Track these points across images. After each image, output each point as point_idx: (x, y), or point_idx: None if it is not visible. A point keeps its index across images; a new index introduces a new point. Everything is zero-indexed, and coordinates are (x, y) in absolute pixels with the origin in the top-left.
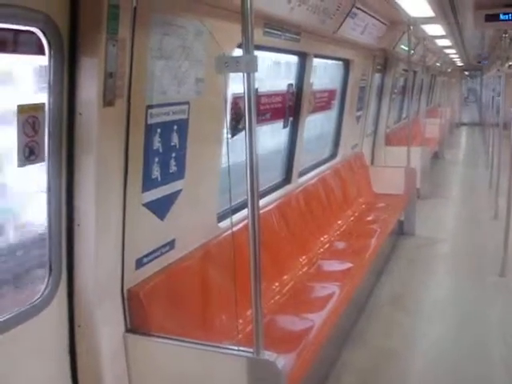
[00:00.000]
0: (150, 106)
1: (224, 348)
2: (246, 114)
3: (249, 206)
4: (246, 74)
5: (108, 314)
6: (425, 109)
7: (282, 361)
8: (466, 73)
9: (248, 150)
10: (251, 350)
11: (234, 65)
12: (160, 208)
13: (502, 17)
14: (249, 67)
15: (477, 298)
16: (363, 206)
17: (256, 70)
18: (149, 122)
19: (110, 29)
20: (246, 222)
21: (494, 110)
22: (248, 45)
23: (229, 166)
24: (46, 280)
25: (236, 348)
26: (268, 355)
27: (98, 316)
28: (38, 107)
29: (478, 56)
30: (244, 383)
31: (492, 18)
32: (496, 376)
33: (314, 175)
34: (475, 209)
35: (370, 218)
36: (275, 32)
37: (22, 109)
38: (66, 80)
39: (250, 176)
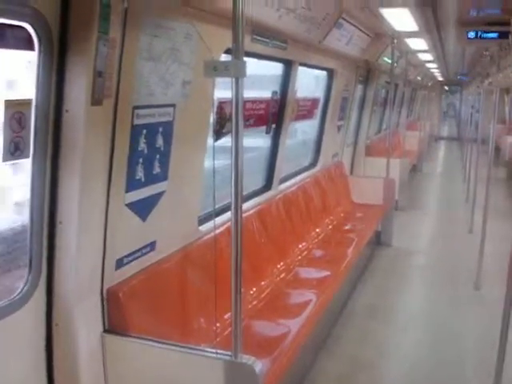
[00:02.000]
0: (136, 107)
1: (202, 350)
2: (233, 119)
3: (232, 209)
4: (234, 79)
5: (86, 314)
6: (405, 121)
7: (260, 364)
8: (446, 88)
9: (234, 154)
10: (229, 353)
11: (222, 69)
12: (142, 209)
13: (483, 35)
14: (238, 72)
15: (451, 311)
16: (342, 215)
17: (245, 75)
18: (135, 123)
19: (101, 28)
20: (226, 226)
21: (472, 126)
22: (238, 50)
23: (214, 170)
24: (25, 276)
25: (214, 351)
26: (246, 359)
27: (76, 315)
28: (25, 103)
29: (458, 72)
30: None
31: (474, 35)
32: None
33: (294, 183)
34: (451, 222)
35: (348, 227)
36: (263, 39)
37: (8, 104)
38: (54, 76)
39: (235, 180)
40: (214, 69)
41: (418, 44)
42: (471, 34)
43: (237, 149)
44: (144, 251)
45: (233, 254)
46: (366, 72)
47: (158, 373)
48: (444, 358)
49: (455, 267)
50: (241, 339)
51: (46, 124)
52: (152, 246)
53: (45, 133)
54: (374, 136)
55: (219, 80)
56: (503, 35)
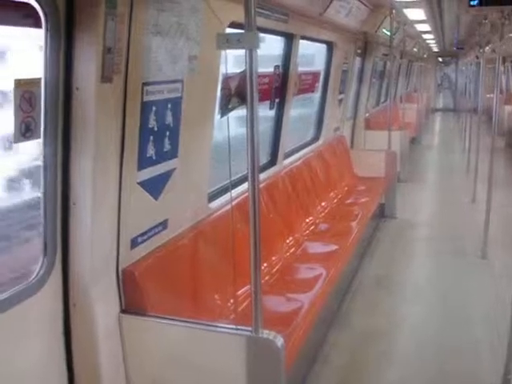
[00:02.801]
0: (145, 83)
1: (222, 327)
2: (248, 91)
3: (249, 182)
4: (247, 51)
5: (103, 294)
6: (403, 94)
7: (281, 339)
8: (440, 59)
9: (249, 128)
10: (249, 328)
11: (235, 42)
12: (154, 187)
13: (486, 1)
14: (251, 44)
15: (459, 280)
16: (346, 189)
17: (258, 47)
18: (144, 100)
19: (108, 3)
20: (236, 201)
21: (468, 97)
22: (250, 21)
23: (229, 145)
24: (40, 260)
25: (234, 327)
26: (267, 334)
27: (93, 295)
28: (34, 82)
29: (454, 42)
30: (242, 362)
31: (477, 2)
32: (479, 354)
33: (298, 157)
34: (454, 192)
35: (352, 201)
36: (266, 12)
37: (18, 83)
38: (62, 54)
39: (251, 153)
40: (227, 41)
41: (416, 14)
42: (474, 1)
43: (252, 122)
44: (157, 230)
45: (251, 228)
46: (364, 44)
47: (177, 351)
48: (452, 328)
49: (460, 237)
50: (261, 314)
51: (56, 103)
52: (164, 224)
53: (55, 112)
54: (373, 109)
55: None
56: (507, 1)
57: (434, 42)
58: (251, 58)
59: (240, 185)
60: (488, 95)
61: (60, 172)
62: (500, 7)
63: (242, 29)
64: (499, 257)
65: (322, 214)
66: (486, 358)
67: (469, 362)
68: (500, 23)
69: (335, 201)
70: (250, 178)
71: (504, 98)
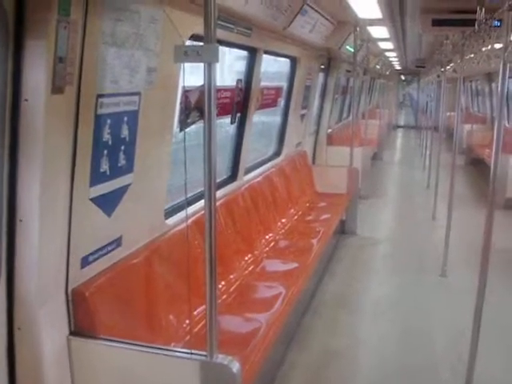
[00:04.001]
0: (100, 95)
1: (175, 351)
2: (205, 106)
3: (205, 199)
4: (206, 65)
5: (51, 316)
6: (365, 110)
7: (237, 364)
8: (403, 77)
9: (206, 143)
10: (204, 353)
11: (194, 55)
12: (108, 203)
13: (448, 22)
14: (210, 57)
15: (419, 298)
16: (307, 205)
17: (217, 61)
18: (98, 113)
19: (61, 9)
20: (193, 218)
21: (429, 114)
22: (210, 34)
23: (185, 161)
24: None
25: (188, 351)
26: (222, 358)
27: (40, 318)
28: None
29: (416, 60)
30: None
31: (439, 22)
32: (441, 373)
33: (259, 173)
34: (414, 209)
35: (313, 217)
36: (228, 25)
37: None
38: (10, 63)
39: (208, 169)
40: (185, 54)
41: (379, 32)
42: (435, 22)
43: (209, 137)
44: (110, 248)
45: (207, 246)
46: (328, 60)
47: (129, 376)
48: (414, 346)
49: (421, 254)
50: (216, 338)
51: (3, 114)
52: (118, 241)
53: (1, 124)
54: (336, 125)
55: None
56: (469, 22)
57: (396, 59)
58: (209, 72)
59: (198, 201)
60: (448, 113)
61: (6, 187)
62: (461, 28)
63: (203, 41)
64: (459, 274)
65: (283, 231)
66: (447, 378)
67: (430, 381)
68: (461, 44)
69: (296, 217)
70: (206, 195)
71: (463, 117)
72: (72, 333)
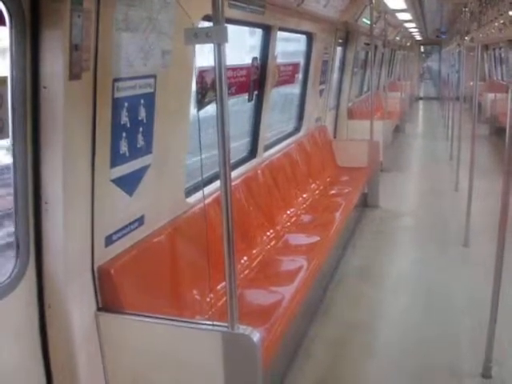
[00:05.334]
0: (116, 80)
1: (198, 323)
2: (217, 86)
3: (221, 178)
4: (216, 46)
5: (79, 293)
6: (386, 83)
7: (257, 334)
8: (422, 49)
9: (219, 123)
10: (225, 324)
11: (203, 36)
12: (128, 184)
13: None
14: (219, 38)
15: (442, 269)
16: (328, 179)
17: (226, 41)
18: (116, 96)
19: None
20: (213, 196)
21: (450, 85)
22: (218, 15)
23: (200, 141)
24: (13, 260)
25: (210, 323)
26: (243, 329)
27: (68, 295)
28: (0, 81)
29: (436, 30)
30: (219, 358)
31: None
32: (461, 344)
33: (278, 149)
34: (437, 181)
35: (334, 192)
36: (240, 4)
37: None
38: (28, 52)
39: (222, 148)
40: (195, 36)
41: (396, 3)
42: None
43: (222, 117)
44: (133, 226)
45: (224, 224)
46: (345, 34)
47: (154, 348)
48: (436, 317)
49: (443, 226)
50: (236, 309)
51: (24, 102)
52: (140, 220)
53: (23, 111)
54: (356, 99)
55: (200, 48)
56: None
57: (416, 30)
58: (219, 53)
59: (218, 179)
60: (471, 83)
61: (31, 171)
62: None
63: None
64: (481, 244)
65: (304, 206)
66: (468, 347)
67: (450, 352)
68: (478, 11)
69: (317, 192)
70: (221, 172)
71: (487, 86)
72: (99, 309)
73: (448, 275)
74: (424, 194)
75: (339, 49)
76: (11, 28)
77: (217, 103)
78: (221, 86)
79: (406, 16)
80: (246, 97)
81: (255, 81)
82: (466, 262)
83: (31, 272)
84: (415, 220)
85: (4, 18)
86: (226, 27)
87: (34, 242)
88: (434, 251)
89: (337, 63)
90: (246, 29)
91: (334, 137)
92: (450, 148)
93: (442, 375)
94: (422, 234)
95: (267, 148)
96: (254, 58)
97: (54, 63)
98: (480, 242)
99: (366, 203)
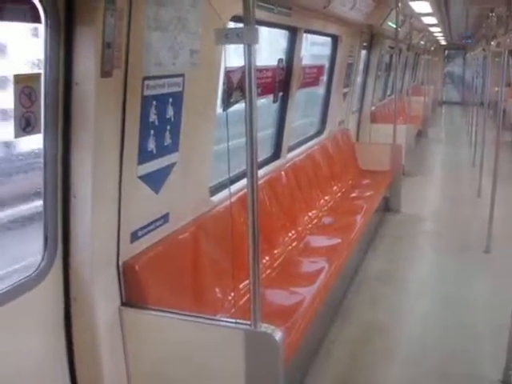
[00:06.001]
0: (146, 78)
1: (221, 321)
2: (246, 86)
3: (248, 177)
4: (246, 46)
5: (104, 287)
6: (409, 87)
7: (279, 333)
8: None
9: (248, 123)
10: (248, 322)
11: (234, 37)
12: (155, 181)
13: None
14: (250, 39)
15: (463, 274)
16: (350, 182)
17: (257, 42)
18: (145, 94)
19: None
20: (238, 195)
21: (475, 90)
22: (249, 16)
23: (228, 140)
24: (41, 253)
25: (233, 320)
26: (265, 327)
27: (93, 289)
28: (34, 77)
29: (461, 35)
30: (241, 355)
31: None
32: (481, 350)
33: (301, 151)
34: (459, 186)
35: (356, 194)
36: (268, 6)
37: (17, 79)
38: (62, 49)
39: (250, 148)
40: (226, 36)
41: (422, 7)
42: None
43: (251, 116)
44: (158, 223)
45: (250, 223)
46: (370, 37)
47: (177, 344)
48: (456, 321)
49: (465, 231)
50: (260, 308)
51: (56, 98)
52: (165, 218)
53: (55, 107)
54: (379, 102)
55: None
56: None
57: (441, 34)
58: (250, 53)
59: (243, 178)
60: (496, 89)
61: (60, 166)
62: None
63: (243, 23)
64: (503, 250)
65: (326, 208)
66: (488, 353)
67: (471, 359)
68: (506, 16)
69: (339, 194)
70: (248, 172)
71: (511, 92)
72: (123, 304)
73: (469, 281)
74: (446, 199)
75: (363, 52)
76: (46, 26)
77: (246, 103)
78: (250, 87)
79: (432, 20)
80: (271, 98)
81: (280, 82)
82: (488, 268)
83: (58, 265)
84: (437, 225)
85: (40, 16)
86: (256, 28)
87: (61, 236)
88: (456, 256)
89: (360, 66)
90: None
91: (357, 140)
92: (473, 154)
93: (461, 381)
94: (444, 239)
95: (290, 149)
96: (280, 60)
97: (86, 61)
98: (502, 248)
99: (387, 207)
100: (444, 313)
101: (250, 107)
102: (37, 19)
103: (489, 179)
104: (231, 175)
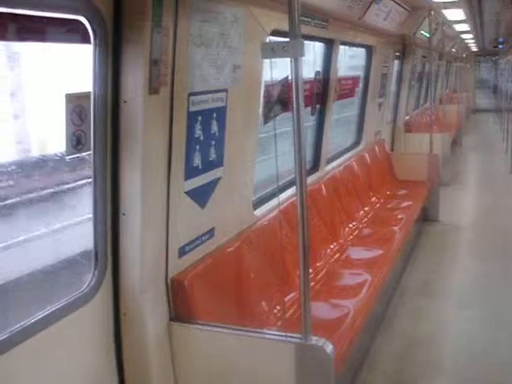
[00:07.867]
0: (191, 94)
1: (270, 334)
2: (293, 99)
3: (297, 187)
4: (293, 60)
5: (153, 302)
6: (442, 95)
7: (330, 345)
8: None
9: (296, 134)
10: (298, 335)
11: (280, 50)
12: (201, 196)
13: None
14: (296, 52)
15: (505, 283)
16: (387, 193)
17: (303, 55)
18: (190, 110)
19: (155, 17)
20: (280, 208)
21: (509, 97)
22: (295, 30)
23: (276, 154)
24: (92, 270)
25: (283, 334)
26: (316, 340)
27: (142, 304)
28: (85, 96)
29: (494, 40)
30: (291, 368)
31: None
32: None
33: (340, 163)
34: (497, 195)
35: (394, 205)
36: (305, 19)
37: (69, 98)
38: (110, 68)
39: (298, 160)
40: (272, 50)
41: (455, 14)
42: None
43: (299, 129)
44: (204, 238)
45: (300, 233)
46: (403, 47)
47: (226, 358)
48: (502, 332)
49: (504, 240)
50: (310, 320)
51: (105, 116)
52: (211, 232)
53: (104, 125)
54: (413, 112)
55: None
56: None
57: (473, 41)
58: (296, 66)
59: (284, 191)
60: None
61: (110, 183)
62: None
63: (281, 37)
64: None
65: (365, 219)
66: None
67: None
68: None
69: (377, 205)
70: (297, 184)
71: None
72: (172, 319)
73: (510, 289)
74: (484, 208)
75: (396, 62)
76: (95, 46)
77: (293, 116)
78: (297, 100)
79: (464, 27)
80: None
81: (318, 95)
82: None
83: (108, 281)
84: (476, 234)
85: (89, 37)
86: (302, 41)
87: (111, 252)
88: (497, 266)
89: (394, 76)
90: None
91: (392, 150)
92: (509, 162)
93: None
94: (484, 249)
95: (328, 161)
96: (317, 72)
97: (134, 78)
98: None
99: (425, 217)
100: (489, 323)
101: (298, 119)
102: (85, 40)
103: None
104: (271, 188)
